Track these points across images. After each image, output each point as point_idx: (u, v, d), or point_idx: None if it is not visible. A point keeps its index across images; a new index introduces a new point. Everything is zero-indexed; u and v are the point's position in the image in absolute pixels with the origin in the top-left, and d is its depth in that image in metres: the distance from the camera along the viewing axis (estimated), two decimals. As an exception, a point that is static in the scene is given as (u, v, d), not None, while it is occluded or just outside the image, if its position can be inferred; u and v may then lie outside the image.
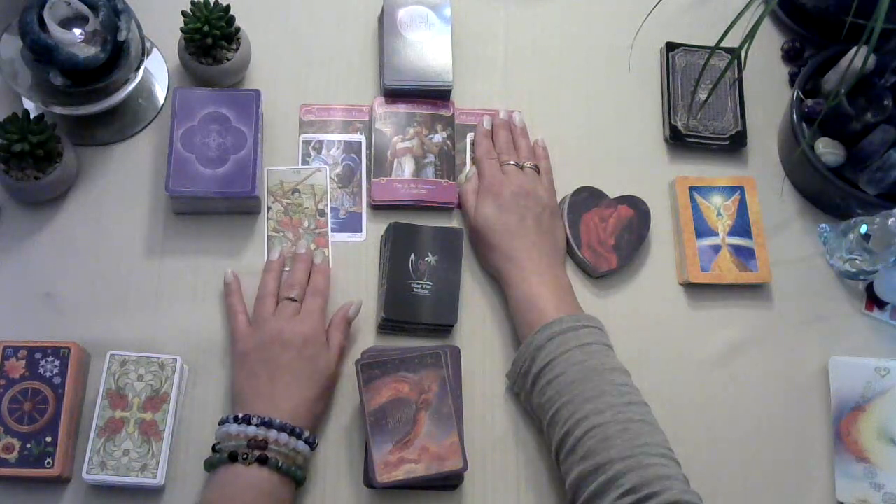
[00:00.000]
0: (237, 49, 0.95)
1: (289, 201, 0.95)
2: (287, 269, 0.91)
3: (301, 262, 0.91)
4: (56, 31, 0.84)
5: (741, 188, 1.00)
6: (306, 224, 0.94)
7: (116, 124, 0.96)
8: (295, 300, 0.87)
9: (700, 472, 0.79)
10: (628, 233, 0.96)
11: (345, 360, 0.89)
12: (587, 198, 0.97)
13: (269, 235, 0.93)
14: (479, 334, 0.93)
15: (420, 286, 0.90)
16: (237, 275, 0.90)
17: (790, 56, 1.09)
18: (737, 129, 1.03)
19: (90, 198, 0.93)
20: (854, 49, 0.93)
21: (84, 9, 0.86)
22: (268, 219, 0.94)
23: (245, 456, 0.77)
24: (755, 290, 0.98)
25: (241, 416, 0.79)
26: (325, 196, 0.95)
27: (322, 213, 0.95)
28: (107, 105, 0.90)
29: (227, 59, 0.94)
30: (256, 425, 0.78)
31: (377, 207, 0.96)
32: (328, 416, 0.87)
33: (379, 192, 0.96)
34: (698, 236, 0.97)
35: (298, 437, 0.79)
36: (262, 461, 0.77)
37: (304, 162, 0.97)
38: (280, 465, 0.77)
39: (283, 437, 0.78)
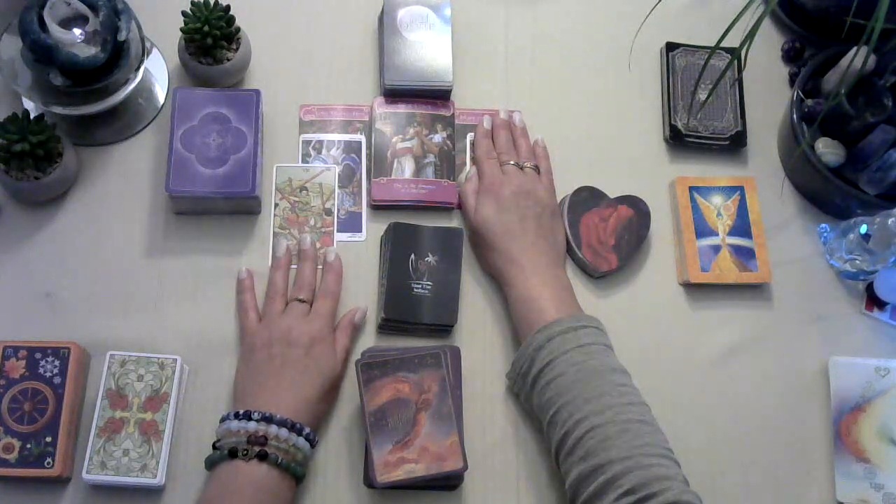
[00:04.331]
0: (237, 49, 0.95)
1: (296, 199, 0.95)
2: (294, 266, 0.91)
3: (307, 260, 0.91)
4: (56, 31, 0.84)
5: (741, 188, 0.99)
6: (312, 222, 0.94)
7: (116, 124, 0.96)
8: (304, 301, 0.87)
9: (700, 472, 0.79)
10: (628, 233, 0.96)
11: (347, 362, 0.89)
12: (587, 198, 0.97)
13: (274, 232, 0.94)
14: (479, 334, 0.93)
15: (420, 286, 0.90)
16: (252, 272, 0.91)
17: (790, 56, 1.09)
18: (737, 129, 1.03)
19: (90, 198, 0.93)
20: (854, 49, 0.93)
21: (84, 9, 0.86)
22: (274, 215, 0.94)
23: (245, 452, 0.77)
24: (755, 290, 0.98)
25: (241, 412, 0.79)
26: (333, 195, 0.95)
27: (329, 212, 0.95)
28: (107, 105, 0.90)
29: (227, 59, 0.94)
30: (257, 421, 0.78)
31: (377, 207, 0.96)
32: (328, 416, 0.87)
33: (379, 192, 0.96)
34: (698, 236, 0.97)
35: (299, 433, 0.79)
36: (262, 457, 0.77)
37: (304, 162, 0.97)
38: (280, 461, 0.77)
39: (284, 432, 0.78)
